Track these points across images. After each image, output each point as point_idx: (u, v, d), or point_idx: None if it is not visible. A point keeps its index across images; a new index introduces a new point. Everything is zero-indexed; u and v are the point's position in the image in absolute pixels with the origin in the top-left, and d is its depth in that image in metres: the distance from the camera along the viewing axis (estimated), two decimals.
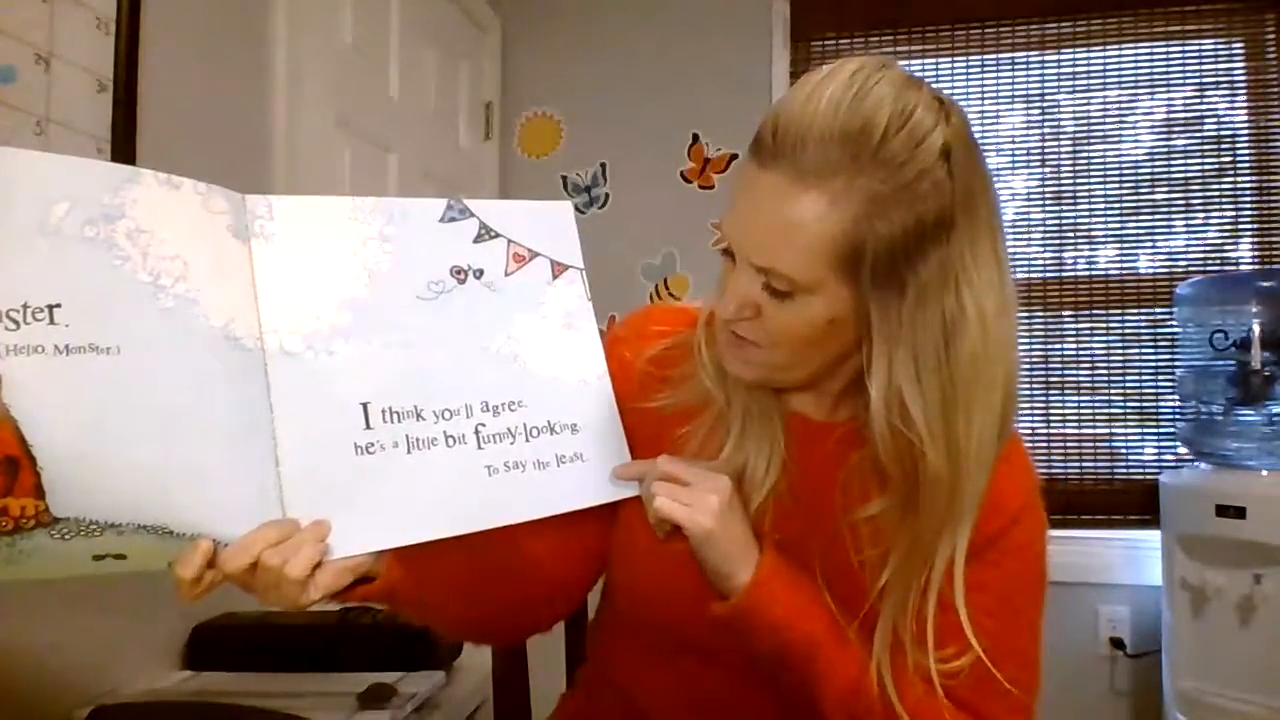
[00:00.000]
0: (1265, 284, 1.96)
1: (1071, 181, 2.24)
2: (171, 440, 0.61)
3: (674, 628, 0.80)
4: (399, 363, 0.71)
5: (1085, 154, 2.24)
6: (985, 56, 2.29)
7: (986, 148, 2.27)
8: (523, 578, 0.82)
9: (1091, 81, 2.24)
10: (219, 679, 1.27)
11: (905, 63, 2.31)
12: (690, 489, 0.71)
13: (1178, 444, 2.13)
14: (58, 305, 0.58)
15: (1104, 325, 2.22)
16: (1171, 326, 2.15)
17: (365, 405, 0.69)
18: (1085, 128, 2.24)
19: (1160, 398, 2.17)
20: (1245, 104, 2.17)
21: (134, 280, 0.61)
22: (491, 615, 0.84)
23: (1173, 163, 2.20)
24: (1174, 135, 2.20)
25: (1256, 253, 2.16)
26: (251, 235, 0.68)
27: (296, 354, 0.67)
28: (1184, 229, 2.20)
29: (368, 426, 0.68)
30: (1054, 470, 2.19)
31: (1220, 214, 2.18)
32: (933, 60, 2.31)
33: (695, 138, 2.35)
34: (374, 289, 0.71)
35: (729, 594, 0.72)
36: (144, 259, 0.62)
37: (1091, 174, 2.23)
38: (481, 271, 0.76)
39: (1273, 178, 2.15)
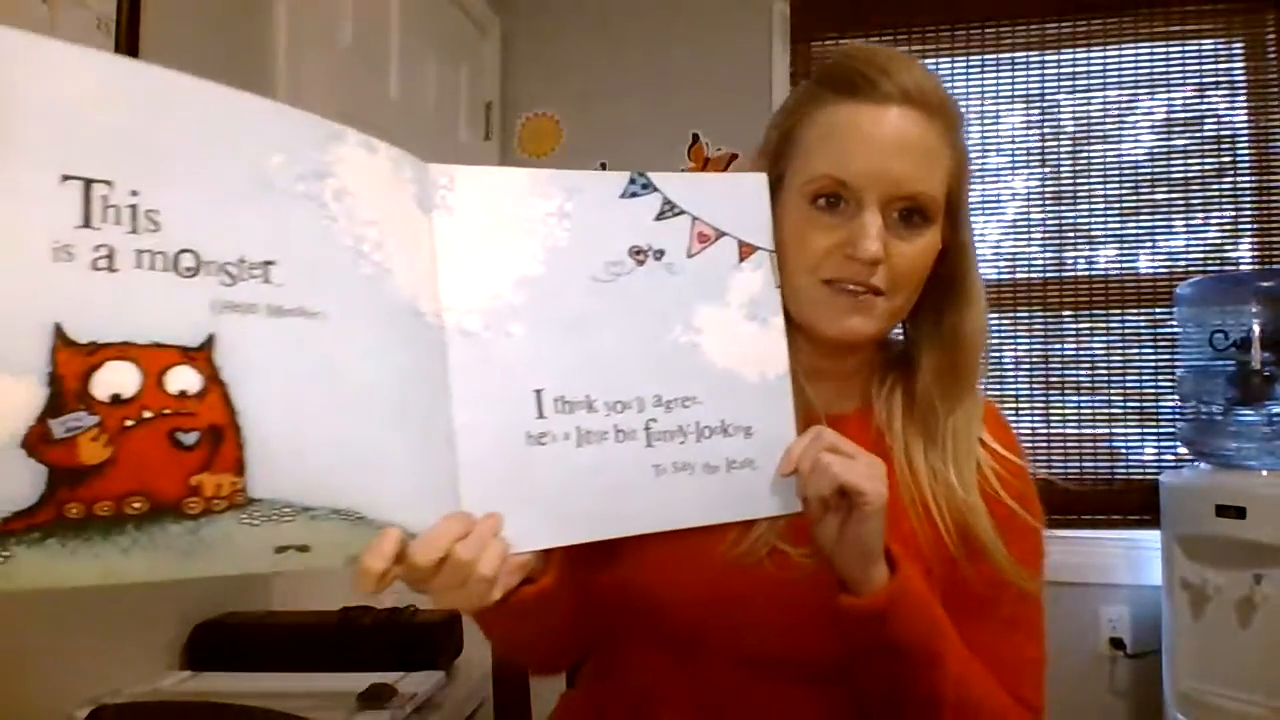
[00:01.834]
0: (1265, 284, 1.96)
1: (1071, 181, 2.24)
2: (368, 417, 0.57)
3: (689, 623, 0.80)
4: (573, 349, 0.66)
5: (1085, 154, 2.24)
6: (985, 56, 2.29)
7: (987, 148, 2.28)
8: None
9: (1091, 81, 2.24)
10: (219, 679, 1.27)
11: None
12: (858, 460, 0.66)
13: (1178, 444, 2.13)
14: (273, 262, 0.53)
15: (1104, 325, 2.22)
16: (1171, 326, 2.15)
17: (539, 392, 0.65)
18: (1085, 128, 2.24)
19: (1160, 398, 2.17)
20: (1245, 104, 2.17)
21: (339, 243, 0.57)
22: (579, 641, 0.85)
23: (1173, 163, 2.20)
24: (1174, 135, 2.20)
25: (1256, 253, 2.16)
26: (433, 206, 0.64)
27: (474, 334, 0.63)
28: (1184, 229, 2.20)
29: (540, 415, 0.65)
30: (1054, 470, 2.19)
31: (1220, 214, 2.18)
32: (933, 60, 2.31)
33: (695, 138, 2.35)
34: (551, 268, 0.66)
35: (863, 583, 0.68)
36: (349, 221, 0.58)
37: (1091, 174, 2.23)
38: (662, 252, 0.70)
39: (1273, 178, 2.15)
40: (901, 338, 0.87)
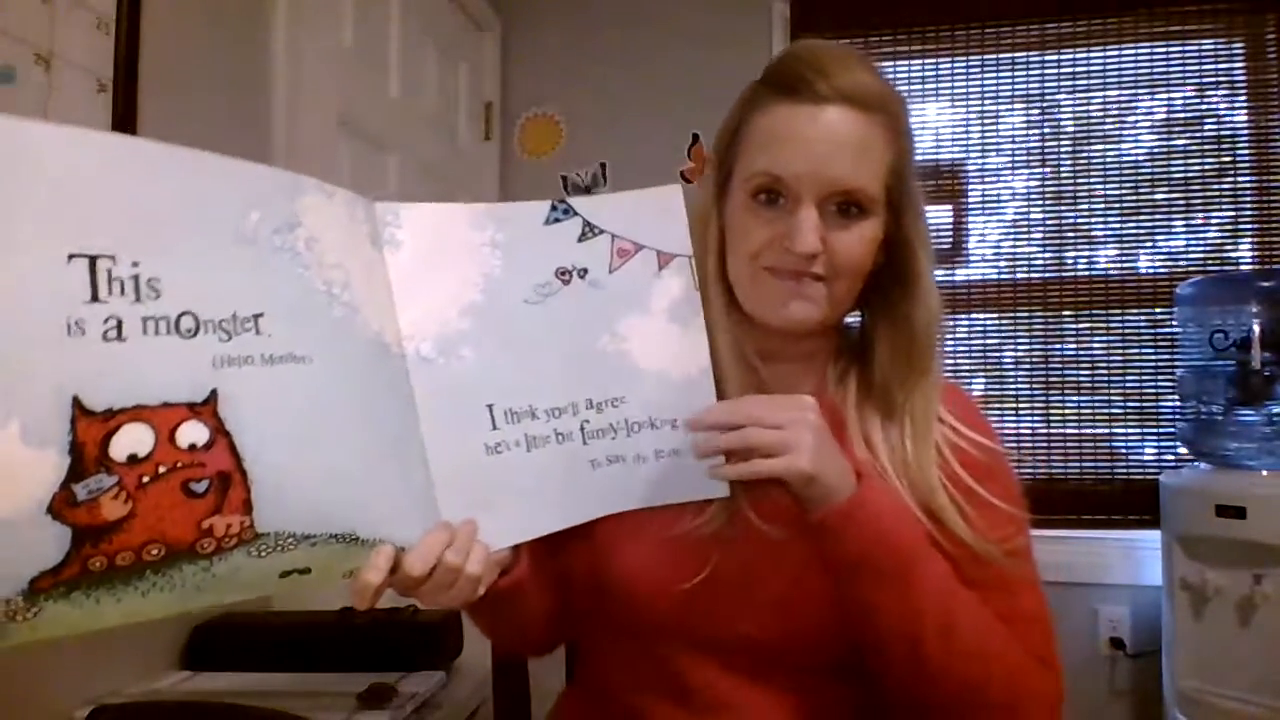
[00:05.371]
0: (1265, 284, 1.96)
1: (1071, 181, 2.24)
2: (354, 447, 0.62)
3: (659, 611, 0.81)
4: (514, 365, 0.73)
5: (1085, 154, 2.24)
6: (985, 56, 2.29)
7: (986, 148, 2.28)
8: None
9: (1091, 81, 2.24)
10: (219, 679, 1.27)
11: (905, 63, 2.32)
12: (782, 432, 0.71)
13: (1178, 444, 2.13)
14: (261, 314, 0.57)
15: (1104, 325, 2.22)
16: (1171, 326, 2.15)
17: (490, 407, 0.72)
18: (1085, 128, 2.24)
19: (1160, 398, 2.17)
20: (1245, 104, 2.17)
21: (314, 289, 0.61)
22: (563, 624, 0.90)
23: (1173, 163, 2.20)
24: (1174, 135, 2.20)
25: (1256, 253, 2.16)
26: (384, 243, 0.69)
27: (432, 360, 0.69)
28: (1184, 229, 2.20)
29: (494, 427, 0.72)
30: (1054, 470, 2.19)
31: (1220, 214, 2.18)
32: (933, 60, 2.31)
33: (695, 138, 2.35)
34: (489, 294, 0.73)
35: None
36: (320, 267, 0.62)
37: (1091, 174, 2.23)
38: (585, 270, 0.76)
39: (1273, 178, 2.15)
40: (859, 324, 0.89)
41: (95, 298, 0.51)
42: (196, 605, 0.56)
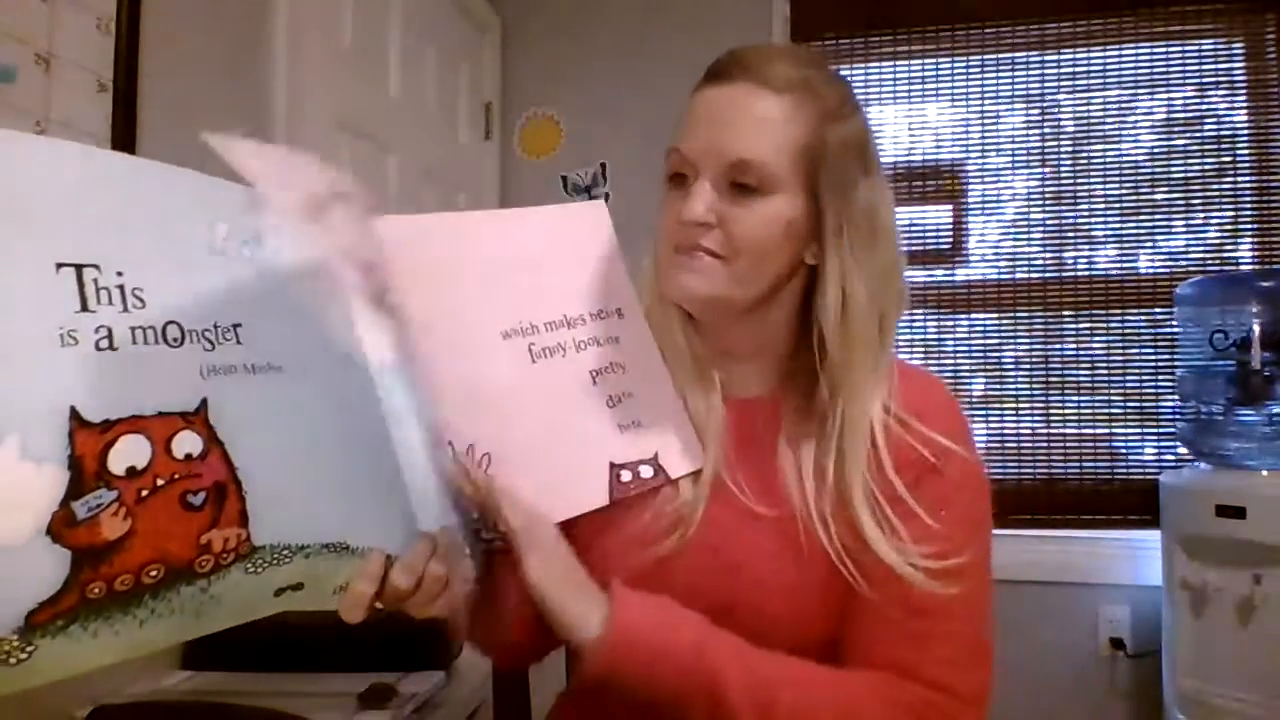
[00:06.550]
0: (1265, 284, 1.96)
1: (1071, 181, 2.24)
2: (337, 456, 0.61)
3: None
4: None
5: (1085, 154, 2.24)
6: (985, 56, 2.29)
7: (986, 148, 2.28)
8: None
9: (1091, 81, 2.24)
10: (219, 679, 1.27)
11: (905, 63, 2.33)
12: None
13: (1178, 444, 2.13)
14: (239, 324, 0.57)
15: (1104, 325, 2.22)
16: (1171, 326, 2.15)
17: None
18: (1085, 128, 2.24)
19: (1160, 398, 2.17)
20: (1245, 104, 2.17)
21: (283, 300, 0.61)
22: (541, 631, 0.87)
23: (1173, 163, 2.20)
24: (1174, 135, 2.20)
25: (1256, 253, 2.16)
26: None
27: (395, 369, 0.68)
28: (1184, 229, 2.20)
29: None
30: (1054, 470, 2.19)
31: (1220, 214, 2.18)
32: (933, 60, 2.31)
33: None
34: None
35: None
36: (285, 279, 0.62)
37: (1091, 174, 2.23)
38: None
39: (1273, 178, 2.15)
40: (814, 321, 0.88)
41: (84, 307, 0.50)
42: (193, 633, 0.54)
